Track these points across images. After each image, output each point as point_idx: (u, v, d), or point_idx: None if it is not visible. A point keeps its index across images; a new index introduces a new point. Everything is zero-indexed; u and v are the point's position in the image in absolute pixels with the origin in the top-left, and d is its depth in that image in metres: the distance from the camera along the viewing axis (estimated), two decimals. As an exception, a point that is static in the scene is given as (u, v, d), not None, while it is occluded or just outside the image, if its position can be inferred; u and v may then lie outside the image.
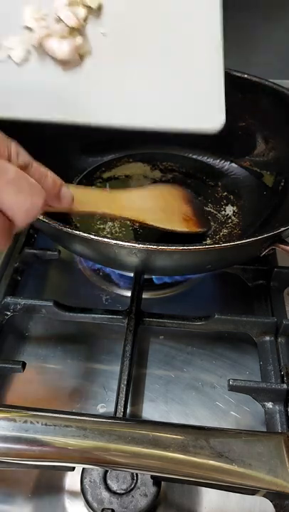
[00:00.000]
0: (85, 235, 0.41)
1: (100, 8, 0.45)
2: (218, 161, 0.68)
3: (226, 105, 0.66)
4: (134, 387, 0.47)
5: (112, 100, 0.47)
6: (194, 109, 0.46)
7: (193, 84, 0.46)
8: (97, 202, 0.45)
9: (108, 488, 0.38)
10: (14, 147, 0.34)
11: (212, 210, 0.61)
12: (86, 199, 0.44)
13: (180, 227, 0.51)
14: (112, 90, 0.47)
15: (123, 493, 0.38)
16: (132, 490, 0.38)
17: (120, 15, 0.46)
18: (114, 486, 0.39)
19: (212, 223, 0.59)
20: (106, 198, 0.48)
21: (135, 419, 0.45)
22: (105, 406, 0.46)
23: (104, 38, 0.46)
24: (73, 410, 0.45)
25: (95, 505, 0.38)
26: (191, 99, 0.46)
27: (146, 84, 0.46)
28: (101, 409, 0.46)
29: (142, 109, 0.47)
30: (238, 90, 0.64)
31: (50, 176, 0.36)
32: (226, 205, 0.62)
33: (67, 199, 0.37)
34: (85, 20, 0.45)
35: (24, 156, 0.34)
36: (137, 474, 0.39)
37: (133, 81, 0.46)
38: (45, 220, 0.42)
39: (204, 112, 0.45)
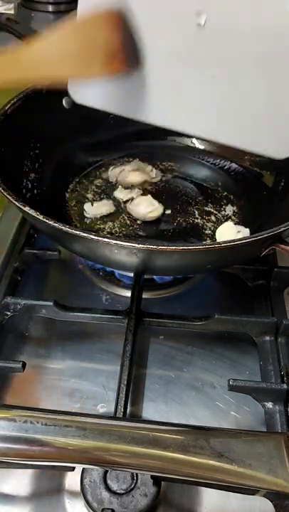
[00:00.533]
0: (85, 234, 0.41)
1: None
2: (218, 160, 0.68)
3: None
4: (134, 387, 0.47)
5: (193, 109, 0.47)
6: (267, 133, 0.45)
7: (272, 108, 0.45)
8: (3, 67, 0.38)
9: (108, 488, 0.38)
10: None
11: (212, 210, 0.61)
12: None
13: (101, 70, 0.42)
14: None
15: (123, 493, 0.38)
16: (132, 490, 0.38)
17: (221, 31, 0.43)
18: (114, 486, 0.39)
19: (212, 223, 0.59)
20: (10, 60, 0.40)
21: (135, 419, 0.45)
22: (105, 406, 0.46)
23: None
24: (73, 410, 0.45)
25: (95, 505, 0.38)
26: (267, 124, 0.45)
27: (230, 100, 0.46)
28: (101, 409, 0.46)
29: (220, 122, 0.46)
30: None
31: None
32: (226, 205, 0.62)
33: None
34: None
35: None
36: (137, 474, 0.39)
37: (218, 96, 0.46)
38: (45, 220, 0.42)
39: (273, 138, 0.45)
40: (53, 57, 0.41)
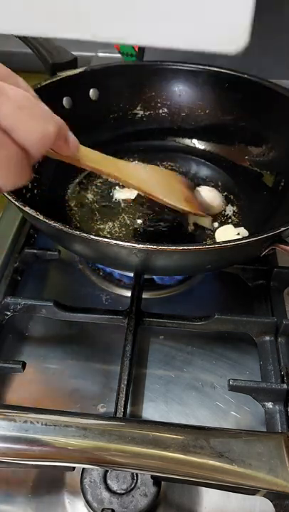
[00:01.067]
0: (85, 235, 0.41)
1: None
2: (218, 160, 0.68)
3: (226, 105, 0.67)
4: (134, 387, 0.47)
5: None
6: (216, 27, 0.40)
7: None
8: (104, 162, 0.46)
9: (108, 488, 0.38)
10: (23, 81, 0.33)
11: (212, 210, 0.61)
12: (94, 156, 0.44)
13: (183, 205, 0.51)
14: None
15: (123, 493, 0.38)
16: (132, 490, 0.38)
17: None
18: (114, 486, 0.39)
19: (212, 223, 0.59)
20: (113, 162, 0.48)
21: (135, 419, 0.45)
22: (105, 406, 0.46)
23: None
24: (73, 410, 0.45)
25: (95, 505, 0.38)
26: (213, 16, 0.40)
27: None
28: (101, 409, 0.46)
29: (157, 25, 0.41)
30: (239, 90, 0.65)
31: (56, 116, 0.34)
32: (226, 205, 0.62)
33: (73, 143, 0.37)
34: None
35: (33, 92, 0.33)
36: (137, 474, 0.39)
37: None
38: (45, 220, 0.42)
39: (227, 31, 0.40)
40: (150, 178, 0.50)
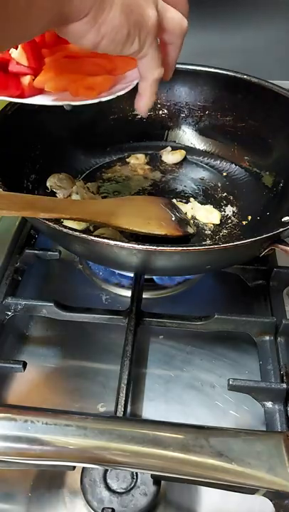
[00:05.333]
0: (85, 236, 0.41)
1: None
2: (218, 161, 0.68)
3: (226, 106, 0.67)
4: (134, 387, 0.47)
5: None
6: None
7: None
8: (69, 209, 0.45)
9: (108, 487, 0.39)
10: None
11: (212, 211, 0.61)
12: (52, 204, 0.44)
13: (158, 230, 0.51)
14: None
15: (123, 492, 0.38)
16: (132, 489, 0.39)
17: None
18: (114, 485, 0.39)
19: (212, 224, 0.59)
20: (79, 205, 0.49)
21: (135, 418, 0.45)
22: (105, 405, 0.46)
23: None
24: (73, 410, 0.45)
25: (95, 504, 0.38)
26: None
27: None
28: (101, 409, 0.46)
29: None
30: (238, 91, 0.65)
31: None
32: (226, 205, 0.62)
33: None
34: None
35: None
36: (136, 473, 0.39)
37: None
38: (45, 221, 0.42)
39: None
40: (119, 211, 0.50)
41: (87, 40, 0.34)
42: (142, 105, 0.43)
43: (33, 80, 0.46)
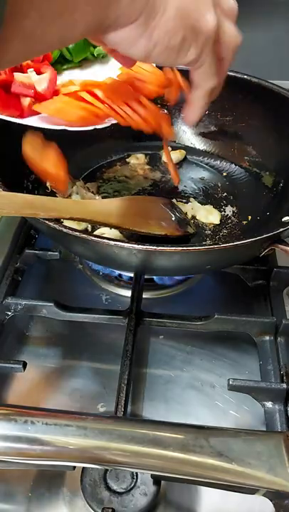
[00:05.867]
0: (85, 236, 0.41)
1: None
2: (218, 161, 0.68)
3: (226, 106, 0.67)
4: (134, 387, 0.47)
5: None
6: None
7: None
8: (69, 209, 0.45)
9: (108, 488, 0.39)
10: None
11: (212, 211, 0.61)
12: (53, 205, 0.44)
13: (158, 230, 0.51)
14: None
15: (123, 492, 0.38)
16: (131, 489, 0.39)
17: None
18: (114, 485, 0.39)
19: (212, 224, 0.59)
20: (79, 205, 0.49)
21: (135, 418, 0.45)
22: (105, 405, 0.46)
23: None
24: (73, 410, 0.45)
25: (95, 504, 0.38)
26: None
27: None
28: (101, 409, 0.46)
29: None
30: (239, 91, 0.65)
31: None
32: (226, 205, 0.62)
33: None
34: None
35: None
36: (136, 473, 0.39)
37: None
38: (45, 221, 0.42)
39: None
40: (120, 212, 0.50)
41: (138, 49, 0.31)
42: (192, 115, 0.41)
43: (33, 102, 0.48)
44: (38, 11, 0.24)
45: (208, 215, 0.59)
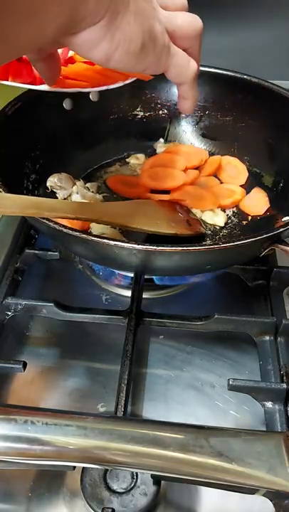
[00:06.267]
0: (85, 236, 0.41)
1: None
2: (218, 161, 0.68)
3: (226, 106, 0.67)
4: (134, 387, 0.47)
5: None
6: None
7: None
8: (75, 209, 0.45)
9: (108, 487, 0.39)
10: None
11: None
12: (61, 206, 0.44)
13: (167, 230, 0.51)
14: None
15: (123, 492, 0.38)
16: (132, 489, 0.39)
17: None
18: (114, 485, 0.39)
19: (212, 224, 0.59)
20: (85, 206, 0.49)
21: (135, 418, 0.45)
22: (105, 405, 0.46)
23: None
24: (73, 410, 0.45)
25: (95, 504, 0.38)
26: None
27: None
28: (101, 409, 0.46)
29: None
30: (239, 91, 0.65)
31: None
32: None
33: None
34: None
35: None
36: (136, 473, 0.39)
37: None
38: (45, 221, 0.42)
39: None
40: (127, 212, 0.50)
41: (99, 52, 0.30)
42: (188, 107, 0.42)
43: None
44: (9, 12, 0.24)
45: (214, 217, 0.59)
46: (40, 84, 0.47)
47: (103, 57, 0.31)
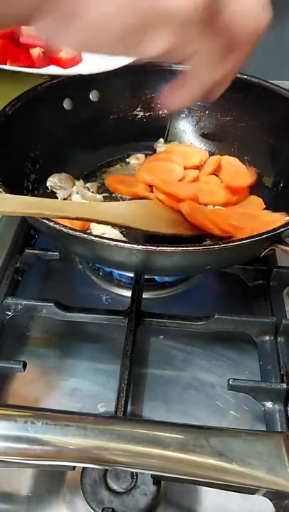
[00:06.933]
0: (85, 236, 0.41)
1: None
2: (218, 161, 0.68)
3: (226, 106, 0.67)
4: (134, 387, 0.47)
5: None
6: None
7: None
8: (75, 209, 0.44)
9: (108, 488, 0.39)
10: None
11: (212, 211, 0.61)
12: (62, 206, 0.44)
13: (169, 230, 0.50)
14: None
15: (123, 493, 0.38)
16: (132, 489, 0.39)
17: None
18: (114, 485, 0.39)
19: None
20: (85, 207, 0.49)
21: (135, 418, 0.45)
22: (105, 405, 0.46)
23: None
24: (74, 410, 0.45)
25: (95, 504, 0.38)
26: None
27: None
28: (101, 409, 0.46)
29: None
30: (239, 91, 0.65)
31: None
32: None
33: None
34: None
35: None
36: (136, 473, 0.39)
37: None
38: (45, 221, 0.42)
39: None
40: (127, 212, 0.49)
41: (68, 38, 0.24)
42: (177, 102, 0.33)
43: (43, 52, 0.47)
44: None
45: None
46: (39, 67, 0.47)
47: (73, 43, 0.25)
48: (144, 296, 0.54)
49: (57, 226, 0.41)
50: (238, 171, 0.64)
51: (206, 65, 0.29)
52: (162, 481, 0.39)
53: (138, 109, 0.69)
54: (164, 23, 0.24)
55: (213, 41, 0.27)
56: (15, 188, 0.46)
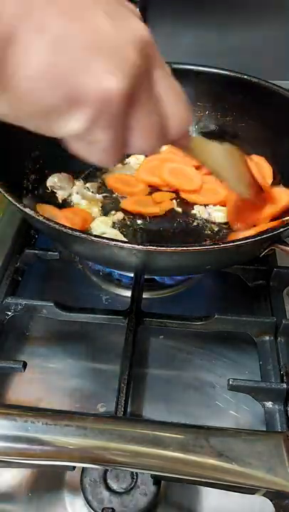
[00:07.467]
0: (85, 236, 0.41)
1: None
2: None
3: (226, 106, 0.67)
4: (134, 387, 0.47)
5: None
6: None
7: None
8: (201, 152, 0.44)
9: (108, 488, 0.39)
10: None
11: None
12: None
13: (232, 181, 0.49)
14: None
15: (123, 492, 0.38)
16: (132, 489, 0.39)
17: None
18: (114, 485, 0.39)
19: (212, 224, 0.59)
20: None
21: (135, 418, 0.45)
22: (105, 405, 0.46)
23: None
24: (73, 410, 0.45)
25: (95, 504, 0.38)
26: None
27: None
28: (101, 409, 0.46)
29: None
30: (239, 91, 0.65)
31: None
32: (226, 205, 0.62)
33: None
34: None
35: None
36: (136, 473, 0.39)
37: None
38: (45, 221, 0.42)
39: None
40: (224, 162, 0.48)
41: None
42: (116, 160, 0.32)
43: None
44: None
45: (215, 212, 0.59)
46: None
47: None
48: (144, 296, 0.54)
49: (57, 226, 0.42)
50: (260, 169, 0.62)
51: (144, 139, 0.30)
52: (162, 481, 0.39)
53: (138, 109, 0.69)
54: (78, 104, 0.25)
55: (146, 118, 0.28)
56: (15, 188, 0.46)
